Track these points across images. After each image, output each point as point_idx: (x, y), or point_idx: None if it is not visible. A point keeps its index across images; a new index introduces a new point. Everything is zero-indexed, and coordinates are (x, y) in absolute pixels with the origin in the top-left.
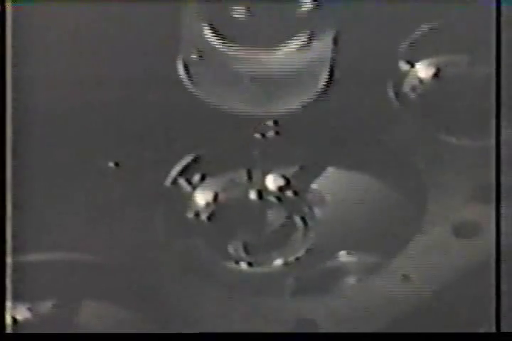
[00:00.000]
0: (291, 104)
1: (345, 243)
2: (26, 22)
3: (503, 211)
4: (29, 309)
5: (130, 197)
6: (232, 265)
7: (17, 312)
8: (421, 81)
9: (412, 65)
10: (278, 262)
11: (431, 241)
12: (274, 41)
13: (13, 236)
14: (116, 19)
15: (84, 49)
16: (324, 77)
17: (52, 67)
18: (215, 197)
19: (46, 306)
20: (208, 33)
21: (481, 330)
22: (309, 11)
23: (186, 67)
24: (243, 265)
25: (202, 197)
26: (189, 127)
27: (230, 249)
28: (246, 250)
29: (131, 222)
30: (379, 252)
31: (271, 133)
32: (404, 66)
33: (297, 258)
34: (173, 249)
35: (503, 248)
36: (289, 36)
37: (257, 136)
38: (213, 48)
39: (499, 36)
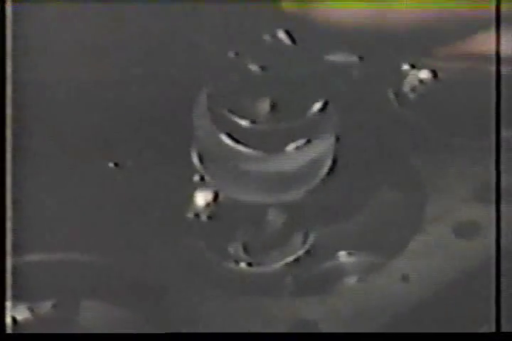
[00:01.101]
0: (297, 192)
1: (345, 243)
2: (26, 22)
3: (503, 211)
4: (29, 309)
5: (130, 197)
6: (231, 265)
7: (17, 312)
8: (421, 81)
9: (413, 66)
10: (278, 262)
11: (431, 241)
12: (279, 144)
13: (13, 236)
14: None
15: (86, 50)
16: (328, 164)
17: (53, 68)
18: (215, 197)
19: (46, 306)
20: (219, 137)
21: (481, 330)
22: (312, 117)
23: (200, 158)
24: (243, 265)
25: (202, 197)
26: None
27: (230, 249)
28: (246, 250)
29: (131, 222)
30: (379, 252)
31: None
32: (404, 66)
33: (297, 259)
34: (172, 249)
35: (503, 248)
36: (293, 139)
37: None
38: (223, 145)
39: (499, 36)
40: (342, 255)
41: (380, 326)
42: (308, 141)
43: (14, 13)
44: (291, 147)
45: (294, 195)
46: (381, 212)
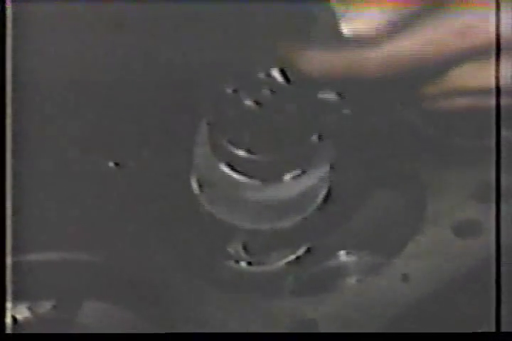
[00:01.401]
0: (293, 219)
1: (345, 243)
2: (26, 22)
3: (503, 211)
4: (29, 309)
5: (130, 197)
6: (231, 265)
7: (17, 312)
8: None
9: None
10: (278, 262)
11: (431, 241)
12: (275, 174)
13: (13, 236)
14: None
15: (86, 50)
16: (323, 194)
17: (53, 68)
18: None
19: (46, 306)
20: (218, 166)
21: (481, 330)
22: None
23: (200, 186)
24: (243, 264)
25: None
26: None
27: (230, 249)
28: (246, 250)
29: (132, 222)
30: (379, 252)
31: None
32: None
33: (297, 258)
34: (173, 248)
35: (503, 248)
36: (288, 169)
37: None
38: (222, 175)
39: (499, 36)
40: (342, 255)
41: (380, 326)
42: (304, 172)
43: (14, 13)
44: (287, 177)
45: (290, 222)
46: (381, 212)
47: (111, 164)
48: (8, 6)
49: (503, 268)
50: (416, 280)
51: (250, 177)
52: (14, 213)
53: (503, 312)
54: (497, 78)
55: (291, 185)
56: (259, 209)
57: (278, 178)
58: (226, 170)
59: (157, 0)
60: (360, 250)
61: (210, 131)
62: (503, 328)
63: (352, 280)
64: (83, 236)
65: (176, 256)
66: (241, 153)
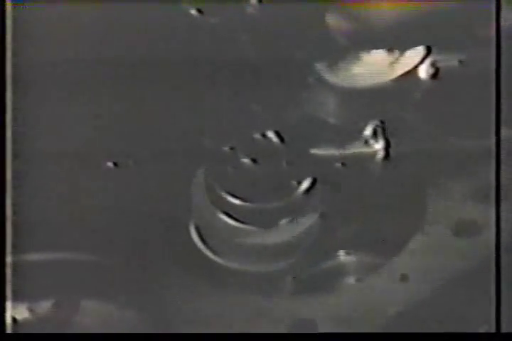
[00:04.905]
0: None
1: (345, 243)
2: (26, 22)
3: (503, 211)
4: (29, 309)
5: (130, 196)
6: (232, 265)
7: (17, 312)
8: (421, 81)
9: None
10: (278, 262)
11: (431, 241)
12: (270, 221)
13: (13, 236)
14: None
15: (85, 50)
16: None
17: (52, 68)
18: None
19: (46, 306)
20: (217, 214)
21: (481, 330)
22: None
23: (199, 232)
24: (243, 265)
25: None
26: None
27: (231, 249)
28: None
29: (131, 222)
30: (378, 252)
31: None
32: None
33: (296, 258)
34: (173, 248)
35: (503, 248)
36: (283, 216)
37: None
38: (221, 222)
39: (499, 36)
40: (341, 254)
41: (380, 326)
42: (297, 218)
43: (14, 13)
44: (283, 222)
45: (285, 264)
46: (381, 212)
47: (110, 164)
48: (8, 6)
49: (502, 268)
50: (415, 280)
51: (248, 224)
52: (14, 213)
53: (503, 312)
54: (498, 77)
55: (286, 229)
56: (258, 253)
57: (274, 224)
58: (225, 218)
59: None
60: (360, 250)
61: (206, 181)
62: (503, 328)
63: (351, 280)
64: (83, 236)
65: (176, 256)
66: (236, 201)
